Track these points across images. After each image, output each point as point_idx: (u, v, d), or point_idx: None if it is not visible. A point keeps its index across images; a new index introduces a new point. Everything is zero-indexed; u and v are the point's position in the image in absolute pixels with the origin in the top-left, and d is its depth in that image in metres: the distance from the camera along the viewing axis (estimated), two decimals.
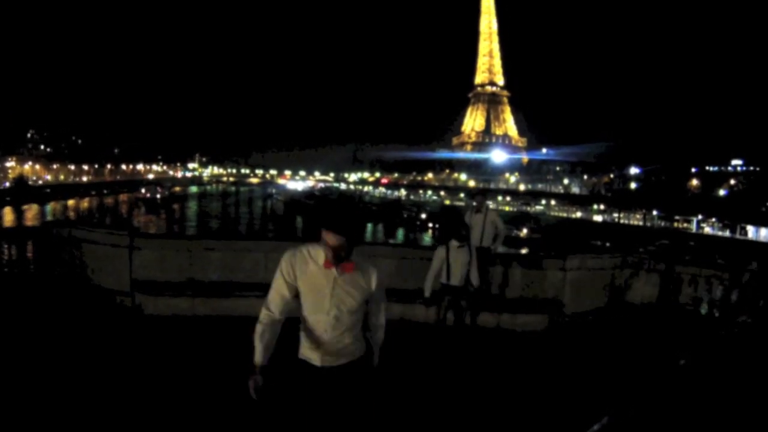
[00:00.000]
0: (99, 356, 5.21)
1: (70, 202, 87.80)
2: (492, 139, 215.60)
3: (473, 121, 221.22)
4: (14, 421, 3.88)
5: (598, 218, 79.70)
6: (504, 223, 7.61)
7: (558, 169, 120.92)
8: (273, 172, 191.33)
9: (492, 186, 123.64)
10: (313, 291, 2.59)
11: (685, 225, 67.66)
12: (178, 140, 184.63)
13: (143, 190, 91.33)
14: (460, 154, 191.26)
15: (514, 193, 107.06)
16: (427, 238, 63.71)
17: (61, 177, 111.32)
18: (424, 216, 77.75)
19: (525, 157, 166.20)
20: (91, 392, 4.36)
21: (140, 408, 4.17)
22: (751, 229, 59.08)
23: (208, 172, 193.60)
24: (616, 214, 78.19)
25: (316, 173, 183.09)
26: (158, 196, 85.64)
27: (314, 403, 2.65)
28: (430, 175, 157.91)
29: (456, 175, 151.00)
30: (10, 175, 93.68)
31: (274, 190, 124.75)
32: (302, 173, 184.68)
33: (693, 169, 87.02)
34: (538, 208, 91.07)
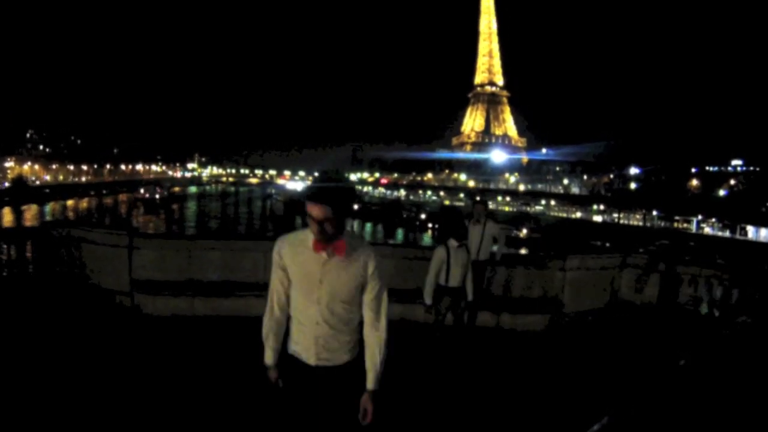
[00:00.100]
0: (98, 356, 5.20)
1: (69, 203, 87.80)
2: (492, 139, 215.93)
3: (473, 121, 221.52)
4: (14, 421, 3.86)
5: (597, 218, 79.78)
6: (502, 231, 7.26)
7: (558, 169, 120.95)
8: (272, 172, 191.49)
9: (492, 186, 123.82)
10: (302, 278, 2.39)
11: (685, 225, 67.75)
12: (177, 140, 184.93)
13: (142, 191, 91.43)
14: (460, 155, 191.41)
15: (513, 193, 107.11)
16: (427, 238, 63.74)
17: (60, 177, 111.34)
18: (423, 216, 77.84)
19: (525, 158, 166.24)
20: (90, 392, 4.34)
21: (140, 408, 4.16)
22: (751, 230, 59.15)
23: (207, 172, 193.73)
24: (615, 215, 78.28)
25: (316, 173, 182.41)
26: (157, 196, 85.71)
27: (306, 406, 2.45)
28: (429, 175, 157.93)
29: (455, 175, 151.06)
30: (9, 176, 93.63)
31: (273, 191, 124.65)
32: (302, 173, 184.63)
33: (693, 170, 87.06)
34: (538, 208, 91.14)
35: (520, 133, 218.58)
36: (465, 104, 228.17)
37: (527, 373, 5.61)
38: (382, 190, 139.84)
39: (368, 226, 76.38)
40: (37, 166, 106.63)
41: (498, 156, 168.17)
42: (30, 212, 70.23)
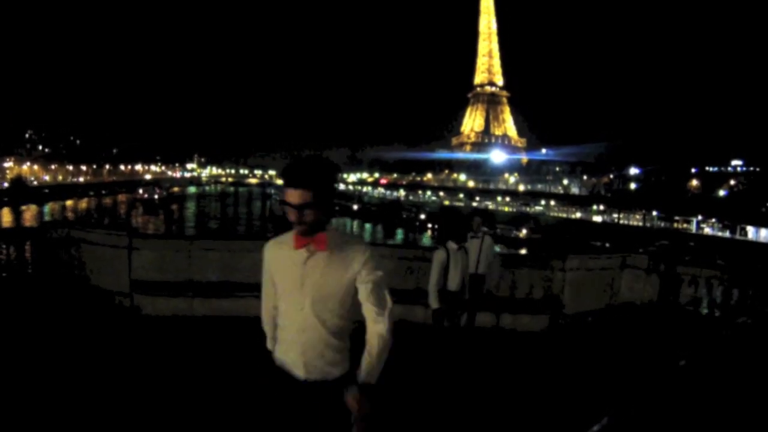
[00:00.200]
0: (97, 357, 5.19)
1: (69, 203, 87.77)
2: (491, 139, 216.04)
3: (472, 121, 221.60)
4: (14, 421, 3.85)
5: (597, 219, 79.73)
6: (496, 260, 6.84)
7: (557, 169, 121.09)
8: (272, 172, 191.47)
9: (491, 186, 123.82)
10: (283, 280, 2.15)
11: (685, 225, 67.69)
12: (176, 141, 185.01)
13: (141, 191, 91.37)
14: (460, 155, 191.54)
15: (513, 193, 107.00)
16: (426, 238, 63.74)
17: (60, 177, 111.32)
18: (423, 216, 77.79)
19: (524, 158, 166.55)
20: (89, 392, 4.33)
21: (139, 408, 4.15)
22: (751, 230, 59.12)
23: (206, 172, 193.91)
24: (615, 215, 78.20)
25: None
26: (156, 196, 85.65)
27: (295, 428, 2.16)
28: (429, 175, 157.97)
29: (455, 175, 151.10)
30: (8, 176, 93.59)
31: (272, 191, 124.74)
32: None
33: (693, 170, 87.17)
34: (538, 208, 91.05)
35: (520, 133, 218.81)
36: (464, 104, 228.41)
37: (527, 374, 5.61)
38: (381, 190, 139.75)
39: (368, 226, 76.42)
40: (36, 167, 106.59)
41: (498, 156, 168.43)
42: (29, 212, 70.22)
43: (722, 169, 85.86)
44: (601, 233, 63.39)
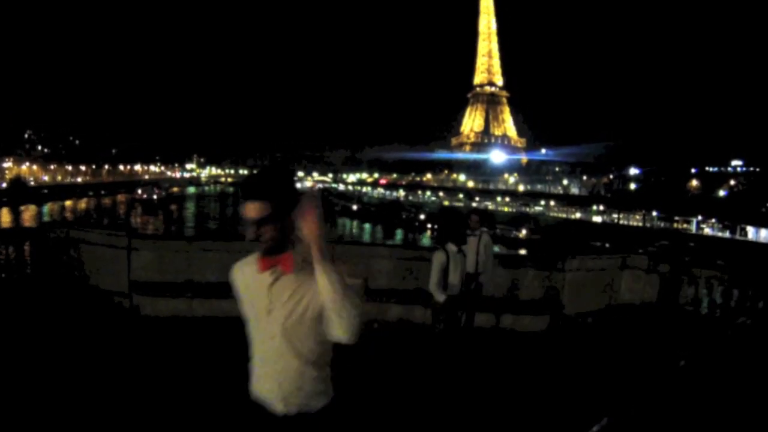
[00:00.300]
0: (97, 357, 5.18)
1: (68, 203, 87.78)
2: (491, 139, 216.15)
3: (472, 121, 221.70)
4: (13, 421, 3.85)
5: (597, 219, 79.77)
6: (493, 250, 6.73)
7: (557, 169, 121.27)
8: None
9: (491, 187, 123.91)
10: (251, 307, 1.96)
11: (685, 226, 67.75)
12: (176, 141, 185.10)
13: (140, 191, 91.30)
14: (459, 155, 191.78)
15: (513, 193, 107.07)
16: (426, 238, 63.75)
17: (59, 177, 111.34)
18: (422, 217, 77.74)
19: (524, 158, 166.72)
20: (88, 393, 4.33)
21: (138, 409, 4.14)
22: (751, 230, 59.16)
23: (206, 172, 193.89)
24: (615, 215, 78.24)
25: (315, 174, 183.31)
26: (155, 197, 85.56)
27: None
28: (428, 175, 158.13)
29: (455, 175, 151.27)
30: (7, 176, 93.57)
31: None
32: (300, 174, 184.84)
33: (693, 170, 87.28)
34: (538, 208, 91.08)
35: (520, 133, 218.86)
36: (464, 104, 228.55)
37: (527, 374, 5.60)
38: (381, 190, 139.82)
39: (367, 226, 76.46)
40: (35, 167, 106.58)
41: (497, 156, 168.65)
42: (28, 213, 70.19)
43: (722, 169, 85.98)
44: (600, 233, 63.41)
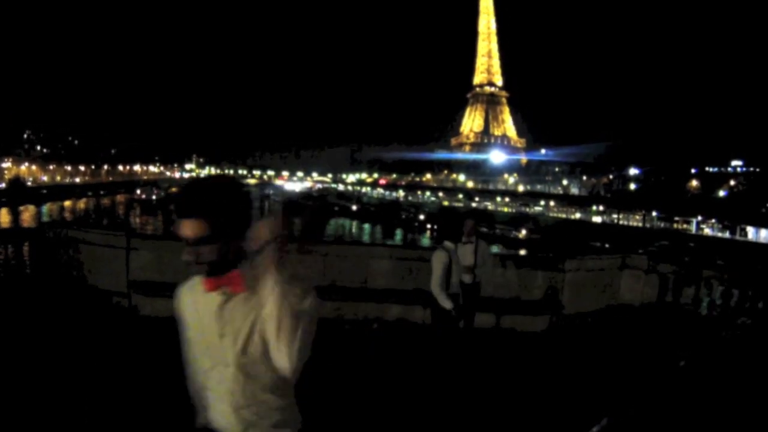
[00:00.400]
0: (95, 357, 5.17)
1: (67, 203, 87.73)
2: (491, 139, 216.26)
3: (472, 121, 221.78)
4: (12, 421, 3.84)
5: (597, 219, 79.84)
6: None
7: (557, 169, 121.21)
8: (271, 172, 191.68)
9: (491, 187, 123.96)
10: (200, 332, 1.71)
11: (685, 226, 67.80)
12: (175, 141, 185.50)
13: (138, 191, 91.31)
14: (459, 155, 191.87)
15: (512, 194, 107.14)
16: (426, 239, 63.76)
17: (58, 178, 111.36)
18: (422, 217, 77.82)
19: (524, 158, 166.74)
20: (87, 393, 4.31)
21: (137, 409, 4.13)
22: (751, 230, 59.18)
23: (205, 172, 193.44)
24: (615, 215, 78.30)
25: (314, 174, 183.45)
26: (154, 197, 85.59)
27: None
28: (428, 175, 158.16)
29: (454, 175, 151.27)
30: (6, 176, 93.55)
31: (271, 191, 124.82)
32: (300, 174, 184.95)
33: (693, 170, 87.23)
34: (537, 209, 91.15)
35: (519, 133, 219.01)
36: (464, 105, 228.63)
37: (527, 374, 5.59)
38: (380, 190, 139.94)
39: (367, 226, 76.48)
40: (34, 167, 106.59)
41: (497, 156, 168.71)
42: (27, 213, 70.15)
43: (722, 169, 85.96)
44: (600, 234, 63.44)
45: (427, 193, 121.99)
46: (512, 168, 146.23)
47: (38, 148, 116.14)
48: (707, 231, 64.68)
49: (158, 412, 4.13)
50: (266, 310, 1.53)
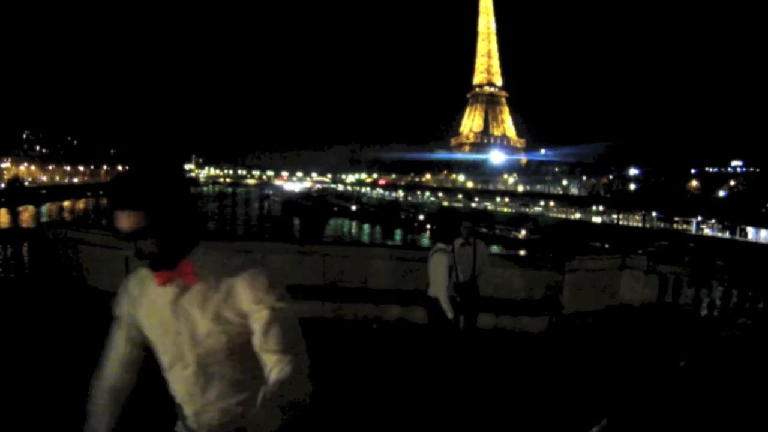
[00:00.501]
0: (94, 357, 5.16)
1: (66, 203, 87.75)
2: (490, 139, 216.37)
3: (471, 121, 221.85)
4: (11, 422, 3.83)
5: (597, 219, 79.90)
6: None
7: (557, 170, 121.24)
8: (270, 173, 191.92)
9: (490, 187, 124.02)
10: (156, 327, 1.56)
11: (685, 226, 67.85)
12: (174, 141, 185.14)
13: None
14: (458, 155, 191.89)
15: (512, 194, 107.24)
16: (425, 239, 63.77)
17: (57, 178, 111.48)
18: (421, 217, 77.81)
19: (523, 158, 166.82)
20: (85, 392, 4.30)
21: (135, 408, 4.12)
22: (751, 231, 59.19)
23: (204, 173, 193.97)
24: (615, 216, 78.34)
25: (314, 174, 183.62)
26: None
27: None
28: (428, 176, 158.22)
29: (454, 176, 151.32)
30: (5, 176, 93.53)
31: (270, 192, 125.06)
32: (299, 174, 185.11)
33: (692, 170, 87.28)
34: (537, 209, 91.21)
35: (519, 133, 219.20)
36: (463, 105, 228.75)
37: (527, 375, 5.58)
38: (380, 191, 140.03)
39: (366, 227, 76.47)
40: (33, 167, 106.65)
41: (497, 157, 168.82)
42: (26, 213, 70.17)
43: (722, 169, 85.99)
44: (600, 234, 63.49)
45: (427, 194, 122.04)
46: (512, 168, 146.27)
47: (37, 148, 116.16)
48: (707, 231, 64.72)
49: (158, 412, 4.13)
50: (254, 311, 1.45)
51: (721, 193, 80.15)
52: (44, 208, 78.12)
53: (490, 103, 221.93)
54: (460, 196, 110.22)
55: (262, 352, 1.46)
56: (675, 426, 4.13)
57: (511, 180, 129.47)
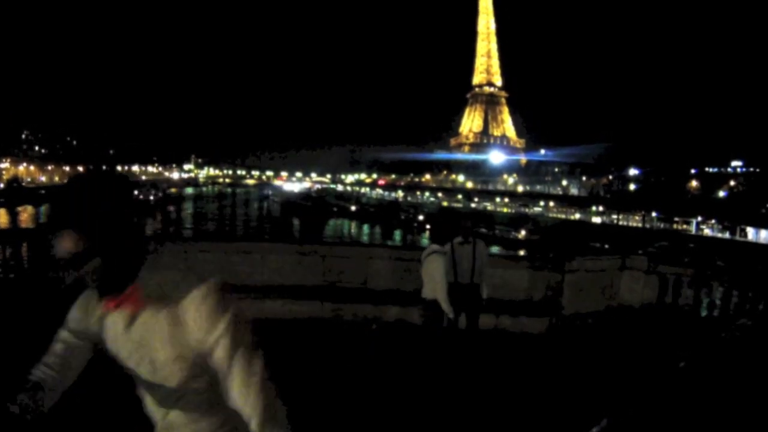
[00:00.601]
0: (94, 358, 5.15)
1: None
2: (490, 140, 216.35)
3: (471, 122, 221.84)
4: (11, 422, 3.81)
5: (596, 220, 79.91)
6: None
7: (556, 170, 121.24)
8: (269, 173, 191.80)
9: (490, 187, 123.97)
10: (117, 352, 1.51)
11: (685, 227, 67.86)
12: (173, 141, 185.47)
13: (136, 192, 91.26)
14: (458, 155, 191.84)
15: (512, 194, 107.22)
16: (425, 239, 63.77)
17: (56, 178, 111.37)
18: (421, 217, 77.80)
19: (523, 158, 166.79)
20: (84, 392, 4.29)
21: (135, 408, 4.11)
22: (751, 231, 59.19)
23: (204, 173, 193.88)
24: (615, 216, 78.35)
25: (313, 175, 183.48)
26: (151, 198, 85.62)
27: None
28: (427, 176, 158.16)
29: (454, 176, 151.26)
30: (5, 177, 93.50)
31: (270, 192, 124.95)
32: (299, 174, 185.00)
33: (692, 171, 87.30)
34: (537, 209, 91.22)
35: (519, 134, 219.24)
36: (463, 105, 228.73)
37: (527, 376, 5.58)
38: (379, 191, 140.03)
39: (366, 227, 76.46)
40: (32, 167, 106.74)
41: (496, 157, 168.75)
42: (25, 214, 70.14)
43: (722, 170, 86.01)
44: (600, 234, 63.50)
45: (427, 194, 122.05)
46: (512, 168, 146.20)
47: (36, 148, 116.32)
48: (707, 231, 64.73)
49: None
50: (210, 335, 1.33)
51: (721, 194, 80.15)
52: (43, 209, 78.00)
53: (490, 103, 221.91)
54: (459, 196, 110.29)
55: (227, 378, 1.35)
56: (675, 426, 4.13)
57: (510, 180, 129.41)
